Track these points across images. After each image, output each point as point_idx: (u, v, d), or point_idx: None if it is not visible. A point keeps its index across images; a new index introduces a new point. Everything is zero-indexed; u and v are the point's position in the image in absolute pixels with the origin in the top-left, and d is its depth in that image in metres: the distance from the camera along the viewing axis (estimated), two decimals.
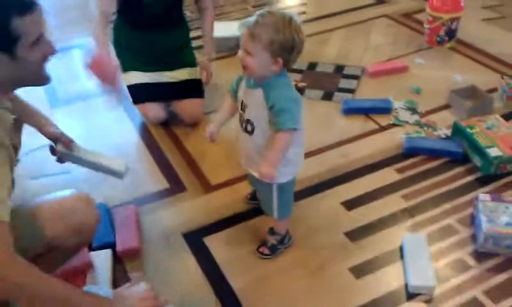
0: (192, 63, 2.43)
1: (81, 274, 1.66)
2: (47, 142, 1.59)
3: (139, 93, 2.38)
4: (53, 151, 1.58)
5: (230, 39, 2.94)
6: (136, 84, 2.36)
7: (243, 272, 1.69)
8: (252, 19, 1.43)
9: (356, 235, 1.81)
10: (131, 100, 2.41)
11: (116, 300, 1.29)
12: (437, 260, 1.69)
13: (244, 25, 1.44)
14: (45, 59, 1.26)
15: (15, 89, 1.30)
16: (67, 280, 1.59)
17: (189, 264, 1.73)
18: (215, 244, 1.80)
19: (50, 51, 1.26)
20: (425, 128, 2.30)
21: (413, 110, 2.43)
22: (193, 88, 2.39)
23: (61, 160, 1.61)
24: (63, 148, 1.56)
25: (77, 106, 2.63)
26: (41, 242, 1.35)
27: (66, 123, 2.43)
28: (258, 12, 1.44)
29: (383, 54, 2.96)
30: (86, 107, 2.63)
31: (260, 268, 1.70)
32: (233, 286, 1.64)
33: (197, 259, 1.74)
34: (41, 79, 1.29)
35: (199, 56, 2.49)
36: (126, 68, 2.35)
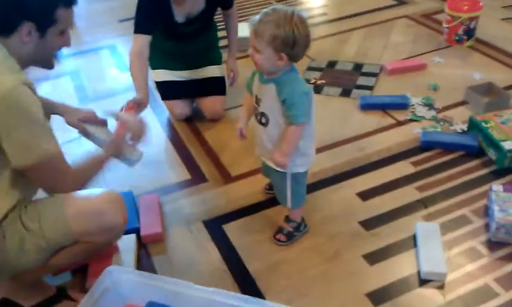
0: (217, 61, 2.52)
1: (108, 256, 1.75)
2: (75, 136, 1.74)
3: (167, 90, 2.48)
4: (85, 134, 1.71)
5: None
6: (163, 81, 2.47)
7: (260, 257, 1.76)
8: (257, 17, 1.51)
9: (370, 223, 1.86)
10: (160, 96, 2.52)
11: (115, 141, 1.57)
12: (450, 249, 1.73)
13: (251, 23, 1.52)
14: (60, 48, 1.43)
15: (28, 66, 1.41)
16: (94, 260, 1.72)
17: (209, 249, 1.81)
18: (233, 230, 1.88)
19: (67, 44, 1.44)
20: (442, 123, 2.33)
21: (430, 106, 2.46)
22: (216, 86, 2.48)
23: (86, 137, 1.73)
24: (91, 127, 1.69)
25: (105, 103, 2.74)
26: (68, 237, 1.43)
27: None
28: (264, 10, 1.52)
29: (402, 53, 3.00)
30: (113, 104, 2.72)
31: (276, 254, 1.77)
32: (250, 270, 1.71)
33: (216, 245, 1.82)
34: (49, 64, 1.45)
35: (225, 56, 2.57)
36: (155, 65, 2.46)
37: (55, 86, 2.91)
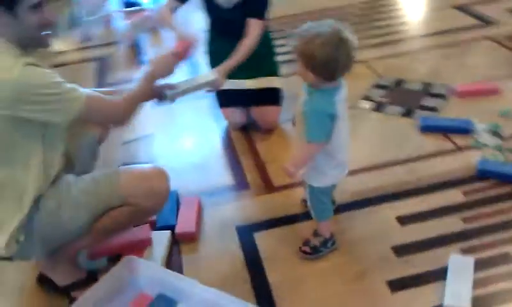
0: (273, 72, 2.55)
1: (141, 247, 1.85)
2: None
3: (224, 98, 2.57)
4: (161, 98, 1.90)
5: None
6: (222, 90, 2.55)
7: (283, 269, 1.76)
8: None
9: (403, 250, 1.78)
10: (218, 104, 2.62)
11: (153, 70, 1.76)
12: (483, 286, 1.60)
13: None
14: (44, 24, 1.45)
15: (27, 47, 1.47)
16: (128, 251, 1.82)
17: (236, 254, 1.85)
18: (263, 239, 1.90)
19: (49, 18, 1.46)
20: (505, 153, 2.16)
21: (495, 133, 2.29)
22: (271, 96, 2.51)
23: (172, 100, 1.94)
24: (170, 91, 1.91)
25: (176, 107, 2.86)
26: (117, 197, 1.60)
27: (161, 118, 2.73)
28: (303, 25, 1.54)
29: (477, 76, 2.81)
30: (177, 108, 2.85)
31: (299, 269, 1.76)
32: (270, 281, 1.72)
33: (243, 251, 1.86)
34: (40, 42, 1.50)
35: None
36: None
37: None
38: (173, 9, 2.37)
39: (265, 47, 2.55)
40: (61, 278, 1.70)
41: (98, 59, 3.67)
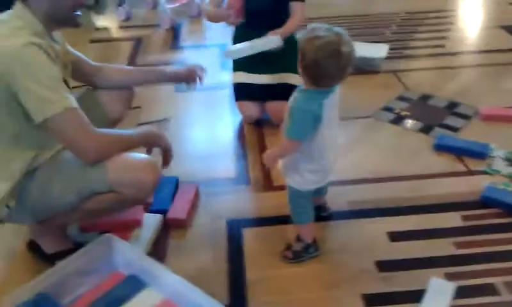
0: (295, 70, 2.53)
1: (131, 227, 1.90)
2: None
3: (240, 91, 2.59)
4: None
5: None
6: (239, 83, 2.58)
7: (262, 268, 1.76)
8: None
9: (386, 266, 1.74)
10: (234, 97, 2.65)
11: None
12: None
13: None
14: (74, 6, 1.53)
15: (55, 27, 1.56)
16: (118, 229, 1.86)
17: (221, 247, 1.86)
18: (251, 236, 1.91)
19: (81, 1, 1.55)
20: None
21: (511, 161, 2.20)
22: (287, 92, 2.48)
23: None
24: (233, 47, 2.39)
25: (196, 95, 2.93)
26: (103, 183, 1.56)
27: (180, 104, 2.80)
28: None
29: (508, 101, 2.69)
30: (204, 97, 2.92)
31: (278, 270, 1.75)
32: (247, 278, 1.73)
33: (228, 245, 1.87)
34: (72, 22, 1.57)
35: None
36: (235, 68, 2.59)
37: None
38: (219, 4, 2.43)
39: (291, 44, 2.53)
40: (49, 246, 1.77)
41: (136, 38, 3.78)
